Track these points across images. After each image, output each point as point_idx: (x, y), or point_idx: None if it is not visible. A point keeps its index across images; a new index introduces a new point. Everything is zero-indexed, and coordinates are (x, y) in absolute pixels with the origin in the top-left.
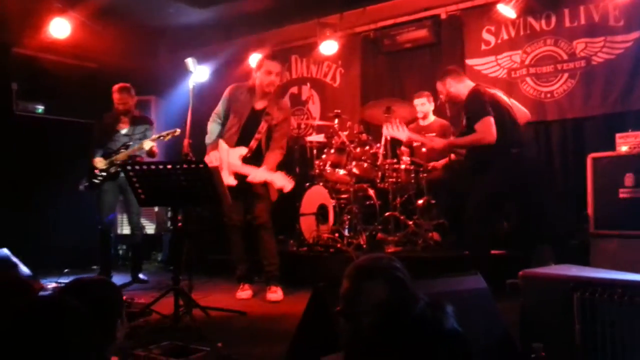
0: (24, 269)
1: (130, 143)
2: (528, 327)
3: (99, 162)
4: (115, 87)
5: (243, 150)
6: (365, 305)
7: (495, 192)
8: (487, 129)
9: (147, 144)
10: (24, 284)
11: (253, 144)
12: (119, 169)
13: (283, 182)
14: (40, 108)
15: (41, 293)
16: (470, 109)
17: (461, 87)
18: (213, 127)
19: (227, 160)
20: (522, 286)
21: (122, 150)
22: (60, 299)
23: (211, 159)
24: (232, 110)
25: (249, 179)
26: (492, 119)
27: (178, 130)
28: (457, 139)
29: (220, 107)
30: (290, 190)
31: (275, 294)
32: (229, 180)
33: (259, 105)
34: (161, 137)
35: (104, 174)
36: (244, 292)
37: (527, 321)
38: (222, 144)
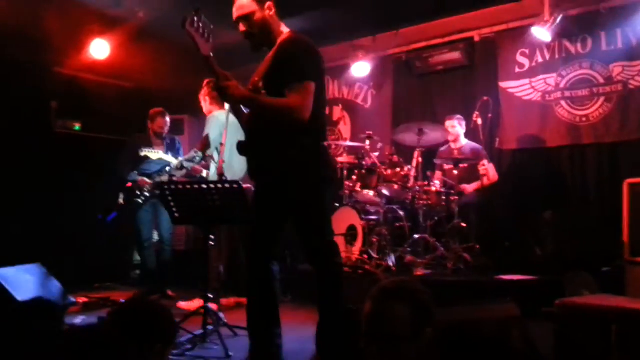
0: (58, 285)
1: (170, 166)
2: (564, 357)
3: (146, 183)
4: (157, 111)
5: None
6: (390, 330)
7: None
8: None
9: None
10: (49, 308)
11: None
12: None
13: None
14: (77, 126)
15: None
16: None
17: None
18: None
19: None
20: (559, 315)
21: (165, 172)
22: (103, 331)
23: None
24: None
25: None
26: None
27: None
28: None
29: None
30: None
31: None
32: None
33: None
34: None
35: (147, 194)
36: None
37: (563, 351)
38: None
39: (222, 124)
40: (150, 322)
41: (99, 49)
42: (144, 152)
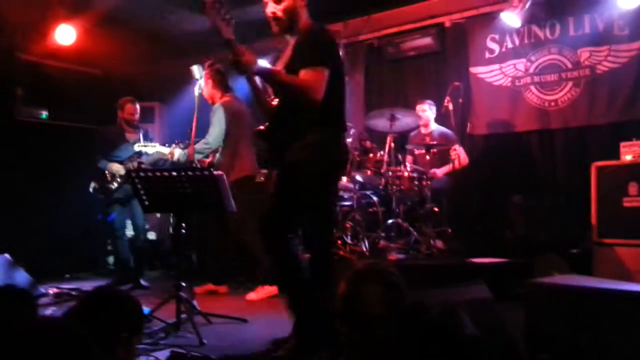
0: (25, 275)
1: (143, 152)
2: (534, 337)
3: (118, 169)
4: (128, 98)
5: None
6: (362, 310)
7: None
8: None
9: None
10: (22, 295)
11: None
12: None
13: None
14: (44, 114)
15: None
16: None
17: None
18: None
19: None
20: (528, 296)
21: (135, 158)
22: (64, 324)
23: None
24: None
25: None
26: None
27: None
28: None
29: None
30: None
31: (253, 294)
32: None
33: None
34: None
35: (120, 180)
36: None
37: (532, 331)
38: None
39: (231, 115)
40: (116, 311)
41: (65, 34)
42: (139, 148)
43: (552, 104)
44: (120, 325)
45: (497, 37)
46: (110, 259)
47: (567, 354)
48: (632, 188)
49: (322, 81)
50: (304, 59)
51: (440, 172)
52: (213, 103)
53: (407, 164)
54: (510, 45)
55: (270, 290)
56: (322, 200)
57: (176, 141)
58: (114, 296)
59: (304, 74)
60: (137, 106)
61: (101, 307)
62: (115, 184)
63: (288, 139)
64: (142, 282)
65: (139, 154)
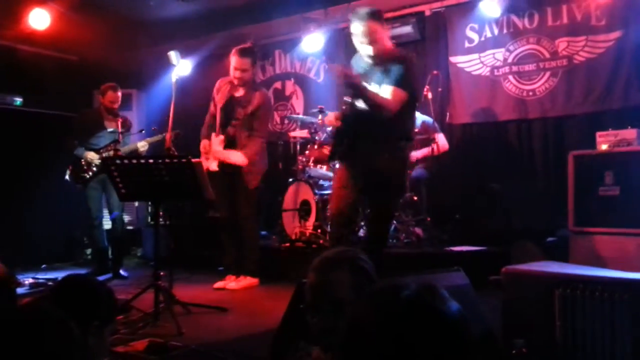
0: (1, 266)
1: (120, 140)
2: (510, 323)
3: (94, 157)
4: (110, 85)
5: (221, 137)
6: (332, 296)
7: None
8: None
9: (142, 145)
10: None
11: (230, 130)
12: None
13: (238, 159)
14: (18, 100)
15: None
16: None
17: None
18: (208, 120)
19: (213, 147)
20: (504, 283)
21: (112, 146)
22: (44, 309)
23: (202, 146)
24: (215, 101)
25: (224, 157)
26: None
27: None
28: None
29: (211, 103)
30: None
31: (233, 282)
32: (212, 165)
33: (238, 93)
34: (158, 136)
35: (95, 169)
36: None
37: (508, 317)
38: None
39: (270, 110)
40: (86, 299)
41: (39, 18)
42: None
43: (530, 93)
44: (91, 313)
45: (476, 26)
46: (88, 250)
47: (542, 339)
48: (608, 177)
49: (399, 101)
50: (393, 77)
51: (415, 155)
52: (242, 86)
53: None
54: (489, 34)
55: (252, 281)
56: (394, 207)
57: (153, 128)
58: (84, 284)
59: (390, 90)
60: (119, 94)
61: (71, 295)
62: (91, 173)
63: (370, 148)
64: (122, 272)
65: (116, 142)
